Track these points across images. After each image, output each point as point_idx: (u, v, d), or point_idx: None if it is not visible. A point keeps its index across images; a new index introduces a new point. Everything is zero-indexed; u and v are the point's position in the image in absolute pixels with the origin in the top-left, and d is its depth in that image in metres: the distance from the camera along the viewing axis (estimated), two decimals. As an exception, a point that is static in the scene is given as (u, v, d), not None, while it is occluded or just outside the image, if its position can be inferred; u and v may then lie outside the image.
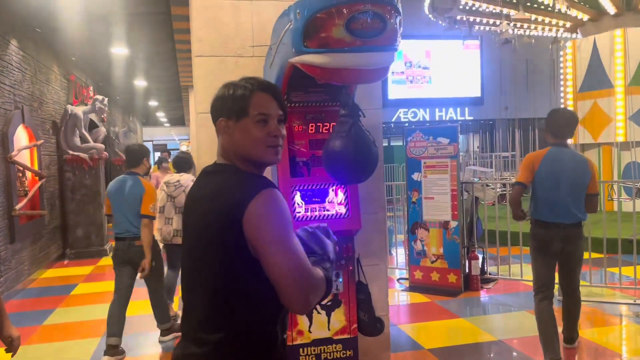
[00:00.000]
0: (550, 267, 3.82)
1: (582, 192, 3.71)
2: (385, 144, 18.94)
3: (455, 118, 20.16)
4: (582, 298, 4.09)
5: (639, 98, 9.72)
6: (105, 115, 10.27)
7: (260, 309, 1.46)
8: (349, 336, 2.93)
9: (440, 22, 12.62)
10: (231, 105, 1.55)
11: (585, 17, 10.56)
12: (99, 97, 10.03)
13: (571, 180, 3.67)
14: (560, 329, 3.86)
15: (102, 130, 10.74)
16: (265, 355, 1.50)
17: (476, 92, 20.25)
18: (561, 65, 11.33)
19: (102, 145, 9.73)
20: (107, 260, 8.89)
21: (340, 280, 2.91)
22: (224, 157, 1.59)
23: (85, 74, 11.91)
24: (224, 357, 1.45)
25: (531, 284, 4.05)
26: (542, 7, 10.99)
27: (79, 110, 9.40)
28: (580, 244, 3.80)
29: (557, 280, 3.96)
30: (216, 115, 1.60)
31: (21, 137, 7.36)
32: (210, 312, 1.47)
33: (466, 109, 20.45)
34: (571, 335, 4.06)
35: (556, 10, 10.37)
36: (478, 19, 12.27)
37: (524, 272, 6.02)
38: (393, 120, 19.72)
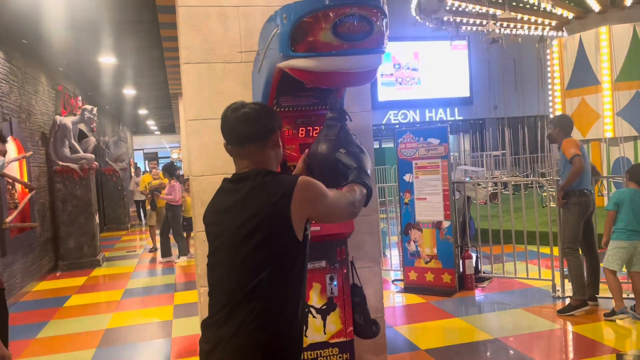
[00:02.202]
0: (582, 226, 4.94)
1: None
2: (377, 146, 18.98)
3: (445, 118, 20.26)
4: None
5: (625, 94, 9.80)
6: (94, 125, 10.21)
7: (291, 287, 1.74)
8: (345, 339, 2.93)
9: (427, 23, 12.68)
10: (279, 121, 1.88)
11: (571, 15, 10.65)
12: (88, 106, 9.97)
13: (588, 158, 5.07)
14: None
15: (92, 140, 10.68)
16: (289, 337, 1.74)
17: (465, 92, 20.38)
18: (548, 63, 11.41)
19: (92, 155, 9.67)
20: (100, 271, 8.82)
21: (335, 283, 2.91)
22: (255, 167, 1.83)
23: (74, 84, 11.85)
24: (251, 332, 1.66)
25: (526, 281, 5.79)
26: (528, 6, 11.07)
27: (68, 120, 9.34)
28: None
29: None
30: (266, 132, 1.83)
31: (10, 149, 7.30)
32: (247, 291, 1.68)
33: (456, 109, 20.56)
34: (596, 292, 5.00)
35: (541, 9, 10.46)
36: (465, 20, 12.34)
37: (517, 269, 6.04)
38: (384, 122, 19.78)
